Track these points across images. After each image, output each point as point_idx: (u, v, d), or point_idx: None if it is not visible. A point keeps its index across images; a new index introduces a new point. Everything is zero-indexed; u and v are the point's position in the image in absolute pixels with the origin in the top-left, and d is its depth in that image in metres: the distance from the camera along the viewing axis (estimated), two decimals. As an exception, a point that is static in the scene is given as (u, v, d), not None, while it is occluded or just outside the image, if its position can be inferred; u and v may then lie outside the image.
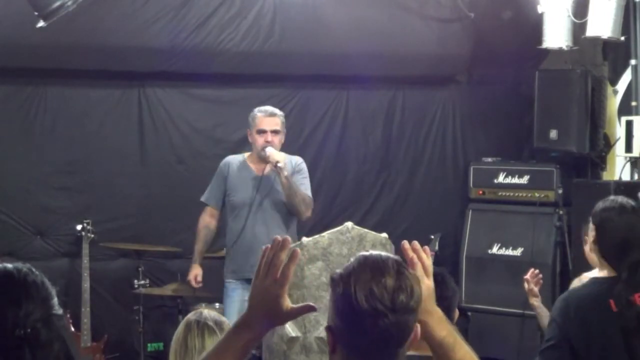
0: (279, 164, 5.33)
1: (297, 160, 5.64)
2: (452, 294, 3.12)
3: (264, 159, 5.46)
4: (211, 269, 5.86)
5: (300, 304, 1.89)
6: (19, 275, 1.75)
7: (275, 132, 5.49)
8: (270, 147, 5.41)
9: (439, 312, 2.03)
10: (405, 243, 2.02)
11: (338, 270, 1.89)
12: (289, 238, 1.91)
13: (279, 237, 1.89)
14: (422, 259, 2.02)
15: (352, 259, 1.90)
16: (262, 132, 5.47)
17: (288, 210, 5.54)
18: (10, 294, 1.72)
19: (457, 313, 3.11)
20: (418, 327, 1.90)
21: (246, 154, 5.67)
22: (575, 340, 3.18)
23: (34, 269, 1.78)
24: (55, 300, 1.76)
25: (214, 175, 5.69)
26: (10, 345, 1.67)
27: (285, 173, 5.35)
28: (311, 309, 1.90)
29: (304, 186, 5.55)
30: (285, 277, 1.87)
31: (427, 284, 2.01)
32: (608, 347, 3.16)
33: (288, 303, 1.88)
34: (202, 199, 5.70)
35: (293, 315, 1.89)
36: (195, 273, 5.66)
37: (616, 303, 3.16)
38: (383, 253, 1.91)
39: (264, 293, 1.88)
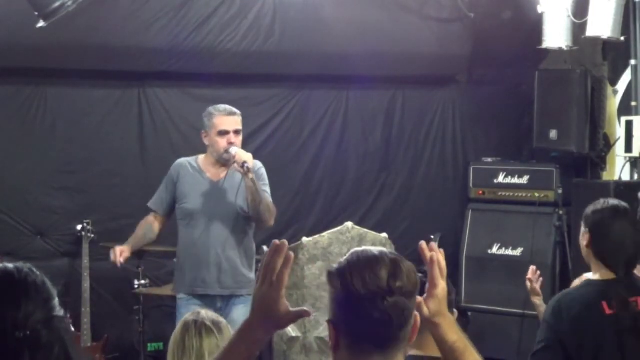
0: (246, 164, 4.86)
1: (257, 164, 5.16)
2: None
3: (224, 162, 5.07)
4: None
5: (297, 308, 1.91)
6: (19, 276, 1.71)
7: (237, 132, 5.07)
8: (234, 147, 5.00)
9: (451, 316, 2.06)
10: (423, 243, 2.04)
11: (334, 265, 1.93)
12: (286, 242, 1.90)
13: (277, 241, 1.90)
14: (440, 260, 2.03)
15: (347, 254, 1.95)
16: (224, 133, 5.03)
17: (246, 219, 5.09)
18: (10, 295, 1.68)
19: (455, 313, 3.10)
20: (417, 317, 1.93)
21: (200, 157, 5.24)
22: (568, 342, 3.18)
23: (34, 269, 1.74)
24: (57, 301, 1.73)
25: (164, 180, 5.30)
26: (10, 347, 1.63)
27: (252, 175, 4.90)
28: (306, 313, 1.93)
29: (266, 194, 5.10)
30: (280, 281, 1.88)
31: (443, 285, 2.03)
32: (600, 349, 3.17)
33: (287, 307, 1.90)
34: (149, 204, 5.31)
35: (292, 318, 1.92)
36: (122, 249, 5.18)
37: (612, 303, 3.17)
38: (378, 247, 1.96)
39: (263, 297, 1.90)
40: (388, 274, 1.86)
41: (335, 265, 1.93)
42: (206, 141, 5.16)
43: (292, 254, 1.90)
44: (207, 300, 5.11)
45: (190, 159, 5.25)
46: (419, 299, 1.97)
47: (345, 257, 1.93)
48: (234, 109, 5.18)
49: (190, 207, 5.12)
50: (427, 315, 1.98)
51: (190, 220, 5.13)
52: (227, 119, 5.10)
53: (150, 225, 5.30)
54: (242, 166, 4.88)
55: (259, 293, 1.91)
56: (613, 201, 3.44)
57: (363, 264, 1.89)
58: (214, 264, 5.09)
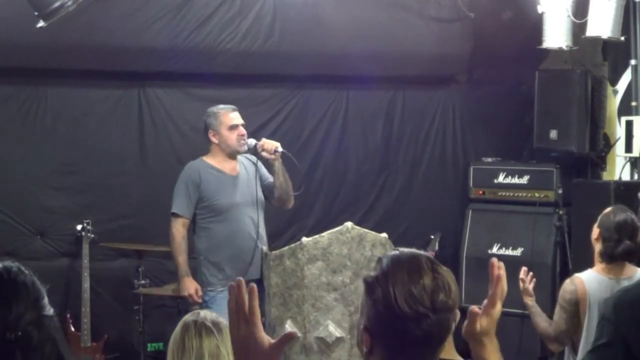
0: (279, 149, 5.30)
1: (253, 158, 5.60)
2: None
3: (235, 156, 5.42)
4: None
5: (281, 335, 1.82)
6: (8, 276, 1.69)
7: (243, 125, 5.43)
8: (251, 138, 5.39)
9: (496, 340, 2.05)
10: (494, 260, 2.02)
11: (372, 273, 1.90)
12: (241, 279, 1.83)
13: (233, 283, 1.82)
14: (503, 281, 2.02)
15: (384, 260, 1.91)
16: (234, 127, 5.38)
17: (265, 206, 5.49)
18: (0, 296, 1.66)
19: (458, 314, 3.09)
20: (458, 314, 1.92)
21: (204, 158, 5.49)
22: (630, 340, 3.16)
23: (23, 268, 1.73)
24: (46, 300, 1.71)
25: (180, 184, 5.43)
26: (1, 349, 1.62)
27: (280, 160, 5.35)
28: (290, 335, 1.86)
29: None
30: (254, 314, 1.79)
31: (499, 307, 2.03)
32: None
33: (268, 340, 1.80)
34: (175, 210, 5.37)
35: (278, 348, 1.80)
36: (196, 287, 5.37)
37: None
38: (414, 250, 1.94)
39: (244, 339, 1.80)
40: (431, 289, 1.85)
41: (373, 274, 1.90)
42: (215, 140, 5.42)
43: (253, 285, 1.82)
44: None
45: (198, 162, 5.50)
46: (476, 309, 1.96)
47: (384, 263, 1.89)
48: (234, 106, 5.54)
49: (224, 204, 5.37)
50: (478, 331, 1.98)
51: (225, 216, 5.37)
52: (233, 114, 5.44)
53: (185, 239, 5.38)
54: (275, 152, 5.30)
55: (237, 336, 1.80)
56: None
57: (405, 275, 1.86)
58: (252, 251, 5.34)
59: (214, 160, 5.47)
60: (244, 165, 5.49)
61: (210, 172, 5.43)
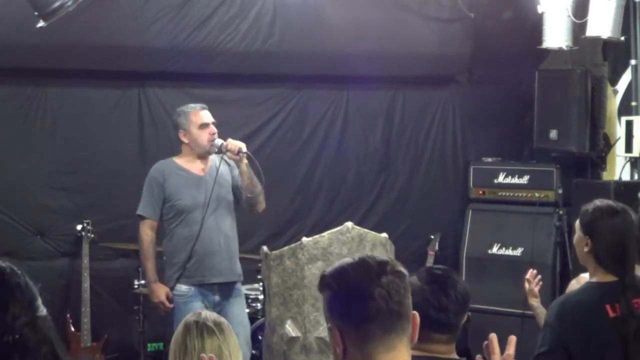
0: (242, 150, 5.15)
1: None
2: (462, 299, 2.90)
3: (206, 155, 5.29)
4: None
5: None
6: (2, 278, 1.67)
7: (214, 124, 5.30)
8: (219, 138, 5.23)
9: None
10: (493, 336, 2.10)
11: (324, 271, 1.99)
12: (203, 356, 1.84)
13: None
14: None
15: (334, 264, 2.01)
16: (205, 126, 5.26)
17: (235, 208, 5.35)
18: None
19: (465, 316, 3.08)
20: (417, 316, 1.95)
21: (174, 158, 5.39)
22: (571, 346, 3.15)
23: (16, 269, 1.71)
24: (40, 301, 1.70)
25: (145, 185, 5.34)
26: None
27: (246, 161, 5.18)
28: None
29: None
30: None
31: None
32: (604, 353, 3.14)
33: None
34: (140, 212, 5.29)
35: None
36: (166, 292, 5.23)
37: (621, 308, 3.13)
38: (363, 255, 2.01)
39: None
40: (378, 263, 1.94)
41: (323, 271, 1.99)
42: (186, 139, 5.34)
43: (212, 356, 1.87)
44: (208, 292, 5.24)
45: (166, 161, 5.40)
46: None
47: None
48: (203, 104, 5.41)
49: (185, 204, 5.24)
50: None
51: (186, 216, 5.24)
52: (203, 113, 5.33)
53: (153, 243, 5.30)
54: (238, 153, 5.15)
55: None
56: (606, 201, 3.41)
57: (352, 261, 1.96)
58: (216, 253, 5.24)
59: (183, 160, 5.35)
60: (215, 166, 5.31)
61: (176, 172, 5.31)
